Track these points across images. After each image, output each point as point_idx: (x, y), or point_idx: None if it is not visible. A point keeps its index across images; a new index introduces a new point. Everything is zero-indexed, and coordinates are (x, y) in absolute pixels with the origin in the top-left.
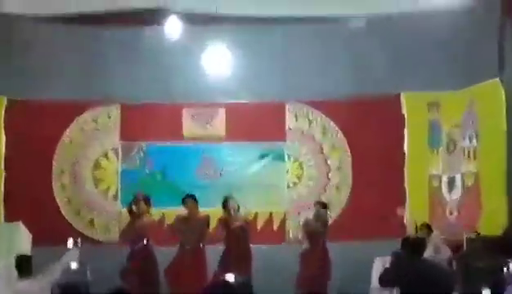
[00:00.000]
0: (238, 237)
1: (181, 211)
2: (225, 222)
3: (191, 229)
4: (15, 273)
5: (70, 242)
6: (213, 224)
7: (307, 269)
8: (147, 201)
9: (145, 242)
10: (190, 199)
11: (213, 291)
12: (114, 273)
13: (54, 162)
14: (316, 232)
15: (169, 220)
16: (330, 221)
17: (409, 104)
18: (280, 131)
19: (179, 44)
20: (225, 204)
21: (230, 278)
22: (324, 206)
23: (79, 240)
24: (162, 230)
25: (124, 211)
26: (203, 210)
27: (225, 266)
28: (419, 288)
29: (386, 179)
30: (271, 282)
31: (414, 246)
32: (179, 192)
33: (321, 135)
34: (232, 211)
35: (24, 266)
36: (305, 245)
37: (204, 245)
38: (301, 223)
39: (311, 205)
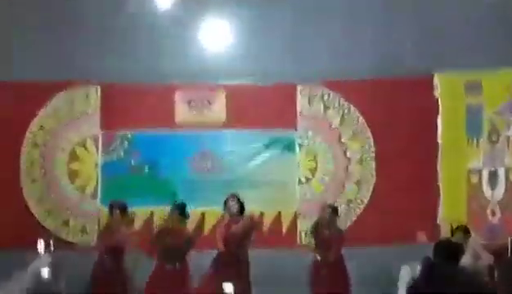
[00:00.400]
0: (237, 242)
1: None
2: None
3: (173, 245)
4: None
5: (41, 246)
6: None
7: (319, 285)
8: (124, 210)
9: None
10: (175, 212)
11: None
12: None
13: (22, 154)
14: (329, 240)
15: (158, 221)
16: (349, 223)
17: (443, 85)
18: (290, 117)
19: (171, 15)
20: (225, 203)
21: (229, 287)
22: (335, 210)
23: (52, 243)
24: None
25: (105, 209)
26: (199, 209)
27: (218, 270)
28: None
29: (416, 174)
30: (277, 292)
31: (449, 251)
32: (170, 188)
33: (339, 121)
34: (231, 212)
35: None
36: (316, 256)
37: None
38: (308, 230)
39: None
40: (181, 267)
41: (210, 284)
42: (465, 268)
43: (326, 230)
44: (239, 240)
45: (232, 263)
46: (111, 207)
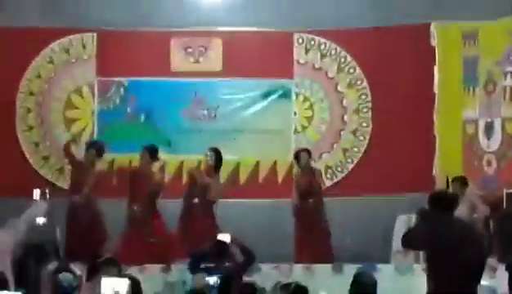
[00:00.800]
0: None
1: (168, 157)
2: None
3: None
4: None
5: (37, 193)
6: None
7: (299, 229)
8: (100, 150)
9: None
10: (145, 154)
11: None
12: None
13: (18, 101)
14: (301, 184)
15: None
16: (346, 172)
17: (440, 35)
18: (286, 65)
19: None
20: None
21: (226, 237)
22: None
23: (47, 191)
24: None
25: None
26: (194, 156)
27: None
28: (449, 252)
29: (412, 123)
30: (273, 242)
31: (444, 202)
32: (165, 136)
33: (336, 70)
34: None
35: None
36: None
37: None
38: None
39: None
40: (147, 211)
41: None
42: (460, 219)
43: (305, 177)
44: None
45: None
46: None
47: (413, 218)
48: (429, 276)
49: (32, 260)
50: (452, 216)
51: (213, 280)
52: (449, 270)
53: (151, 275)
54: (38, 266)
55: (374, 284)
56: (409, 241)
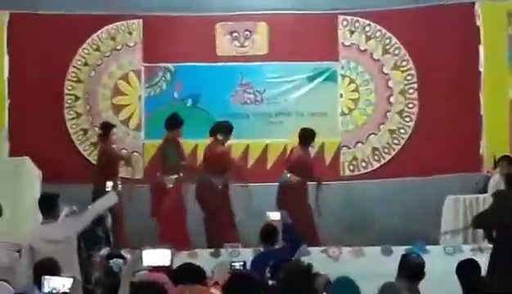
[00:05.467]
0: None
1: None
2: None
3: None
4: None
5: (109, 185)
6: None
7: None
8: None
9: None
10: None
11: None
12: (137, 213)
13: (65, 89)
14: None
15: (201, 152)
16: (393, 154)
17: (485, 14)
18: (332, 47)
19: None
20: None
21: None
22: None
23: (119, 183)
24: None
25: (149, 143)
26: (240, 141)
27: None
28: None
29: (458, 103)
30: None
31: None
32: (212, 120)
33: (381, 52)
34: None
35: (47, 208)
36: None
37: None
38: None
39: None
40: None
41: None
42: None
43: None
44: None
45: None
46: None
47: (461, 198)
48: (495, 256)
49: (84, 244)
50: None
51: (239, 264)
52: None
53: (202, 259)
54: (89, 251)
55: (422, 265)
56: (481, 220)
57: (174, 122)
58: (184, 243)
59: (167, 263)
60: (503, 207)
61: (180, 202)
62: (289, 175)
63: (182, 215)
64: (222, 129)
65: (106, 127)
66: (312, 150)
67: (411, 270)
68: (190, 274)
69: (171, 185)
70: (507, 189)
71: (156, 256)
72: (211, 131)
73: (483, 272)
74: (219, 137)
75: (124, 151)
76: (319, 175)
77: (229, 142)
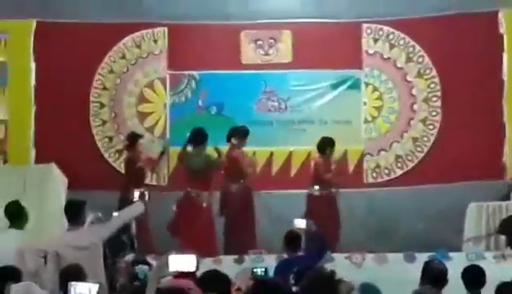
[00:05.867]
0: None
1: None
2: None
3: None
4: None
5: (136, 195)
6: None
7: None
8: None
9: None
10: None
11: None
12: (160, 221)
13: (91, 95)
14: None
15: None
16: (416, 162)
17: (509, 22)
18: (355, 55)
19: None
20: None
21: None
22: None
23: (147, 193)
24: None
25: (174, 150)
26: (264, 148)
27: None
28: None
29: (482, 111)
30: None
31: None
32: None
33: (405, 60)
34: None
35: (74, 214)
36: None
37: None
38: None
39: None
40: None
41: None
42: None
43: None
44: None
45: None
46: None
47: (484, 206)
48: None
49: (108, 249)
50: None
51: (260, 270)
52: None
53: (226, 266)
54: (113, 256)
55: (445, 272)
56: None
57: (200, 138)
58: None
59: (192, 269)
60: None
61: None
62: (315, 187)
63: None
64: (237, 133)
65: (133, 138)
66: (331, 158)
67: (434, 277)
68: (215, 281)
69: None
70: None
71: (182, 262)
72: (227, 137)
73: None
74: (234, 141)
75: (151, 155)
76: (336, 182)
77: (253, 150)
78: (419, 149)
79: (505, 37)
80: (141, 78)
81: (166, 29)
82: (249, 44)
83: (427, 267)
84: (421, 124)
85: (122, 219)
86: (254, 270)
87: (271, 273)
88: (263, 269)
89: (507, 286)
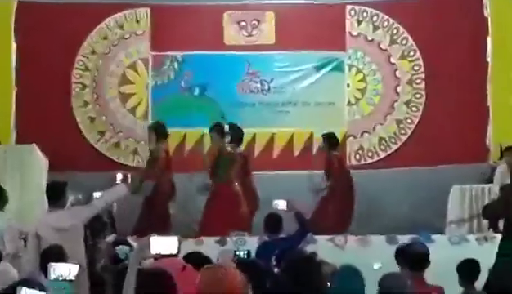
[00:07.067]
0: None
1: None
2: None
3: None
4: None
5: (119, 177)
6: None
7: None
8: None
9: None
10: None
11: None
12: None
13: (73, 76)
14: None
15: (208, 142)
16: (399, 144)
17: (493, 5)
18: (339, 37)
19: None
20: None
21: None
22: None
23: (129, 175)
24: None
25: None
26: (247, 130)
27: None
28: None
29: (465, 93)
30: None
31: None
32: (219, 109)
33: (389, 42)
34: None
35: (55, 195)
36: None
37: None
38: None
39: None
40: None
41: None
42: None
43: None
44: None
45: None
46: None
47: (467, 188)
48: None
49: (89, 230)
50: None
51: (243, 253)
52: None
53: (208, 247)
54: (94, 237)
55: (427, 254)
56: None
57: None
58: None
59: (174, 251)
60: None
61: None
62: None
63: None
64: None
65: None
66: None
67: (415, 259)
68: (197, 263)
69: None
70: None
71: (164, 244)
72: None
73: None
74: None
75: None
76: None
77: None
78: (402, 131)
79: (489, 20)
80: (124, 59)
81: (149, 10)
82: (233, 25)
83: (408, 249)
84: (405, 106)
85: (104, 201)
86: (237, 253)
87: (253, 255)
88: (246, 252)
89: (466, 263)
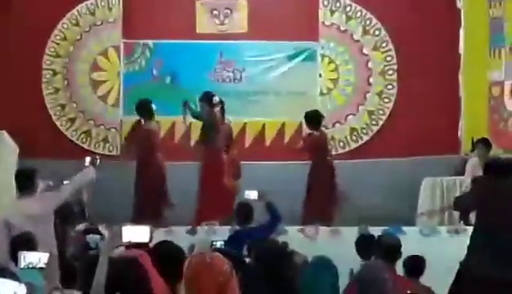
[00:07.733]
0: None
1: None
2: None
3: None
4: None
5: (87, 160)
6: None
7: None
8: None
9: None
10: None
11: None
12: (111, 190)
13: (44, 63)
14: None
15: (179, 131)
16: (371, 135)
17: None
18: (312, 27)
19: None
20: None
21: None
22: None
23: (98, 158)
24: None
25: (127, 119)
26: None
27: None
28: (498, 215)
29: (438, 85)
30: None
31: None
32: (191, 98)
33: (362, 32)
34: None
35: (25, 182)
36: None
37: None
38: None
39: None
40: None
41: None
42: None
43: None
44: None
45: None
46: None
47: (438, 180)
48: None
49: (59, 218)
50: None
51: (219, 243)
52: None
53: (178, 237)
54: (64, 225)
55: (398, 246)
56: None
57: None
58: None
59: (146, 240)
60: (482, 194)
61: None
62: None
63: None
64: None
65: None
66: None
67: (387, 251)
68: (168, 252)
69: None
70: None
71: (135, 233)
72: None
73: (462, 253)
74: None
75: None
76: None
77: None
78: (374, 122)
79: (462, 11)
80: (95, 46)
81: None
82: (205, 14)
83: (380, 241)
84: (377, 97)
85: (72, 186)
86: (214, 243)
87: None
88: (222, 243)
89: (412, 259)
